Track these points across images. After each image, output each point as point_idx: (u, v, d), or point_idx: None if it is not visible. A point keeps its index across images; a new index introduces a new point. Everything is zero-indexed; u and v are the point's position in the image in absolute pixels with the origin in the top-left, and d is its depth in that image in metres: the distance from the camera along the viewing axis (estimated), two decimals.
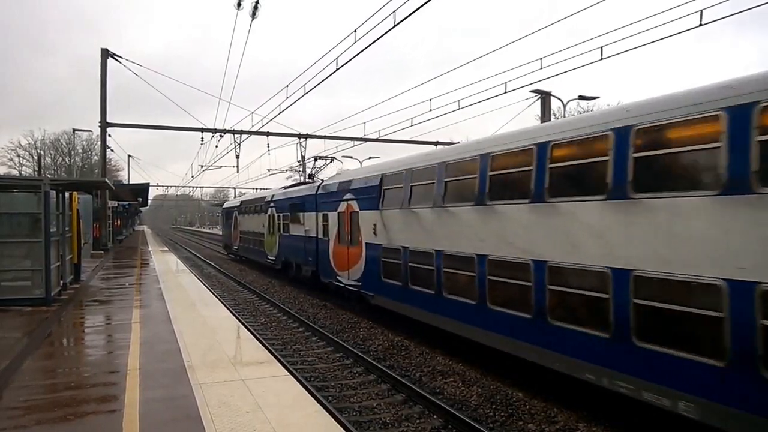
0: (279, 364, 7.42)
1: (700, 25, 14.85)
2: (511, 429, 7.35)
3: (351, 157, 43.34)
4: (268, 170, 60.78)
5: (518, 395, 8.47)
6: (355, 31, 15.18)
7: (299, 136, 33.11)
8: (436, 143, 35.98)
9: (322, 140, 34.52)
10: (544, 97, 43.89)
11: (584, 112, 53.12)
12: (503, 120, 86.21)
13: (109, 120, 27.20)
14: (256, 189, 71.90)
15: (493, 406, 8.05)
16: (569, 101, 29.41)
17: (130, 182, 48.74)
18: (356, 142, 35.20)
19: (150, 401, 5.55)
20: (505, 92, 25.91)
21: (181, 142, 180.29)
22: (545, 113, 47.01)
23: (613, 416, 7.32)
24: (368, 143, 35.44)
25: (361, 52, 15.12)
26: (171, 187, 79.57)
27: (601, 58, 19.02)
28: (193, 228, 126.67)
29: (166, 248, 39.17)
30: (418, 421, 7.66)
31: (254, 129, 29.46)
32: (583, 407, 7.68)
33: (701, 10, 14.28)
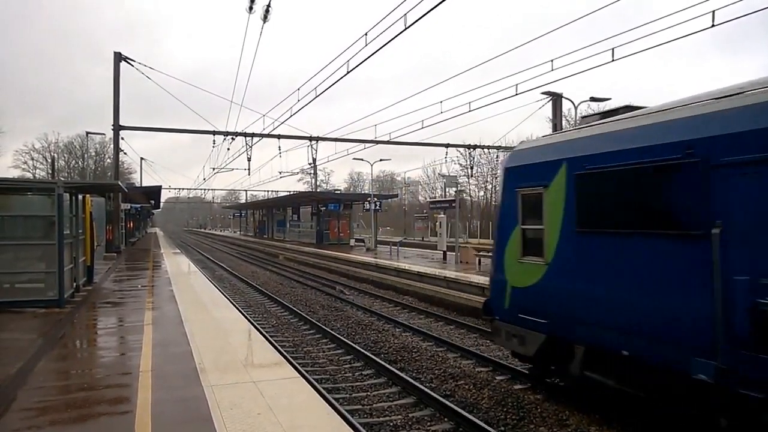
0: (290, 366, 7.43)
1: (713, 25, 14.73)
2: (522, 431, 7.30)
3: (362, 159, 43.37)
4: (279, 173, 61.09)
5: (530, 398, 8.42)
6: (366, 34, 15.21)
7: (310, 138, 33.22)
8: (447, 145, 35.96)
9: (333, 143, 34.65)
10: (555, 99, 43.75)
11: (594, 113, 52.76)
12: (514, 122, 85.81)
13: (125, 124, 27.48)
14: (268, 192, 72.23)
15: (505, 409, 8.00)
16: (580, 103, 29.24)
17: (143, 185, 49.19)
18: (367, 145, 35.24)
19: (162, 402, 5.58)
20: (516, 94, 25.66)
21: (195, 147, 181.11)
22: (556, 115, 46.86)
23: (625, 420, 7.24)
24: (379, 146, 35.47)
25: (371, 55, 15.13)
26: (183, 189, 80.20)
27: (612, 60, 18.89)
28: (205, 230, 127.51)
29: (178, 250, 39.48)
30: (429, 423, 7.63)
31: (265, 132, 29.62)
32: (595, 411, 7.61)
33: (713, 11, 14.15)
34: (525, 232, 8.35)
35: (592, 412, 7.64)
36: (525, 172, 8.47)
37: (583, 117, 9.75)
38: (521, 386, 9.09)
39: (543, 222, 7.91)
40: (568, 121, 47.91)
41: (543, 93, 39.59)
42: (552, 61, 20.15)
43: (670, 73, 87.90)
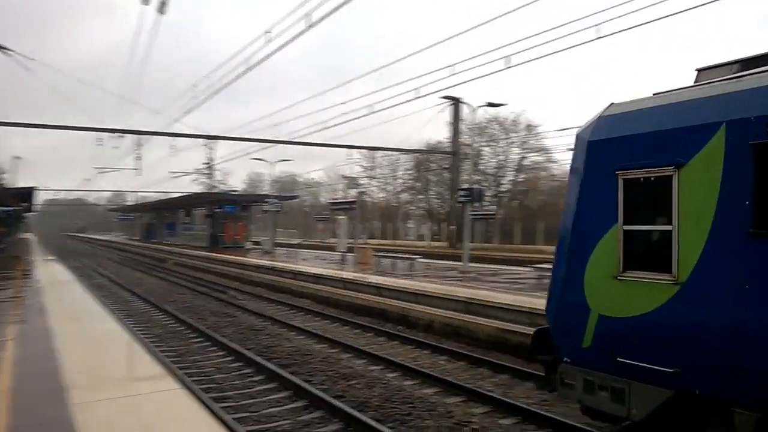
0: (173, 378, 7.09)
1: (598, 38, 16.09)
2: (410, 426, 7.50)
3: (261, 159, 42.41)
4: (171, 173, 58.13)
5: (419, 393, 8.68)
6: (268, 31, 14.87)
7: (206, 137, 31.95)
8: (349, 146, 36.08)
9: (232, 142, 33.58)
10: (455, 103, 45.26)
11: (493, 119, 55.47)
12: (418, 125, 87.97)
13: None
14: (159, 194, 68.38)
15: (394, 405, 8.18)
16: (478, 107, 30.56)
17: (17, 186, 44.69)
18: (268, 145, 34.50)
19: (20, 428, 5.10)
20: (417, 98, 26.32)
21: (80, 147, 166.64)
22: (456, 119, 48.46)
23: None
24: (281, 147, 34.84)
25: (273, 53, 14.83)
26: (62, 191, 73.77)
27: (508, 67, 19.97)
28: (86, 235, 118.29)
29: (54, 257, 36.29)
30: (318, 425, 7.61)
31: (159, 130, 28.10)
32: (484, 403, 8.00)
33: (598, 24, 15.41)
34: (631, 236, 5.57)
35: (479, 404, 8.04)
36: (633, 146, 5.59)
37: (721, 65, 5.99)
38: (411, 382, 9.35)
39: (672, 220, 5.20)
40: (467, 125, 49.97)
41: (443, 97, 40.65)
42: (452, 65, 20.84)
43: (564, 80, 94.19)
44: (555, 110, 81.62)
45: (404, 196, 72.19)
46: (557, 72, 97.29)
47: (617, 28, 16.12)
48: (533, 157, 58.16)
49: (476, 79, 22.83)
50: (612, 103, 6.08)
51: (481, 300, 13.41)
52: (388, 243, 52.45)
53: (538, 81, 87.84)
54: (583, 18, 15.95)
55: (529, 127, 56.54)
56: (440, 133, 52.60)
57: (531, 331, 11.05)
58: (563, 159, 51.23)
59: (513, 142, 57.97)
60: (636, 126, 5.67)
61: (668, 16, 14.45)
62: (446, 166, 50.59)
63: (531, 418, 7.56)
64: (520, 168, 59.08)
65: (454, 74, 20.86)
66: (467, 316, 13.16)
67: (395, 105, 27.84)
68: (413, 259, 24.11)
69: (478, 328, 12.42)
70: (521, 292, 15.00)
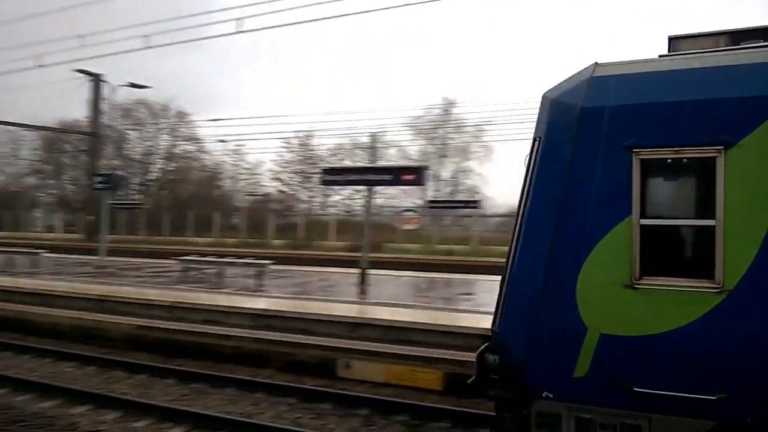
0: None
1: (239, 32, 16.66)
2: None
3: None
4: None
5: (34, 408, 7.63)
6: None
7: None
8: None
9: None
10: (95, 79, 40.26)
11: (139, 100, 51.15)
12: (46, 99, 74.64)
13: None
14: None
15: None
16: (120, 86, 27.98)
17: None
18: None
19: None
20: (42, 66, 22.70)
21: None
22: (97, 96, 43.00)
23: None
24: None
25: None
26: None
27: (150, 47, 18.87)
28: None
29: None
30: None
31: None
32: (117, 408, 7.51)
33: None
34: (651, 233, 4.39)
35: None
36: (656, 117, 4.42)
37: None
38: (25, 397, 8.10)
39: (715, 212, 4.18)
40: (110, 106, 45.05)
41: (77, 71, 36.28)
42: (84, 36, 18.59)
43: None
44: (208, 100, 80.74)
45: (30, 181, 61.02)
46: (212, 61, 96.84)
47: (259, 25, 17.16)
48: (184, 146, 56.72)
49: (113, 54, 20.90)
50: (597, 63, 4.79)
51: (116, 296, 12.50)
52: (7, 235, 43.64)
53: (190, 67, 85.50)
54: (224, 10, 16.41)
55: (180, 114, 54.86)
56: (78, 111, 46.24)
57: (173, 325, 10.99)
58: (215, 149, 51.61)
59: (163, 129, 55.36)
60: (658, 92, 4.47)
61: None
62: (84, 148, 44.94)
63: (169, 416, 7.39)
64: (170, 156, 56.81)
65: (85, 46, 18.73)
66: (101, 315, 12.07)
67: (11, 72, 23.24)
68: (38, 253, 20.93)
69: (114, 327, 11.52)
70: (163, 286, 14.57)
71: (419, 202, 39.18)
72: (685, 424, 4.25)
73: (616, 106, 4.55)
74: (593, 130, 4.57)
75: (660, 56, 4.88)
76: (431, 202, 34.51)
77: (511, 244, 4.95)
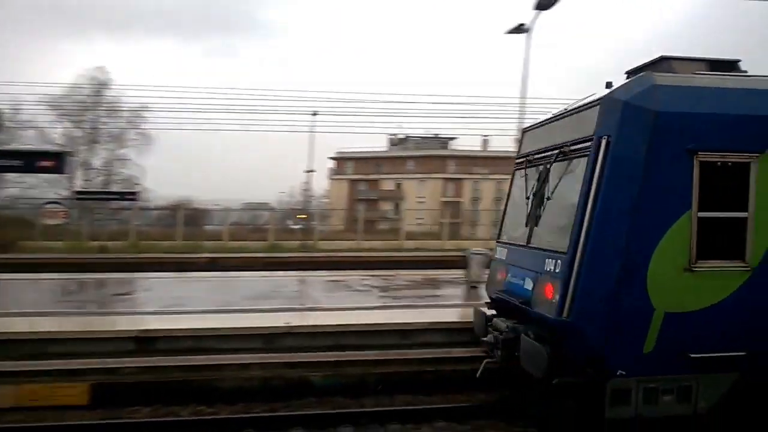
0: None
1: None
2: None
3: None
4: None
5: None
6: None
7: None
8: None
9: None
10: None
11: None
12: None
13: None
14: None
15: None
16: None
17: None
18: None
19: None
20: None
21: None
22: None
23: None
24: None
25: None
26: None
27: None
28: None
29: None
30: None
31: None
32: None
33: None
34: (705, 224, 5.42)
35: None
36: (711, 126, 5.38)
37: None
38: None
39: (747, 207, 5.49)
40: None
41: None
42: None
43: None
44: None
45: None
46: None
47: None
48: None
49: None
50: (655, 73, 5.62)
51: None
52: None
53: None
54: None
55: None
56: None
57: None
58: None
59: None
60: (714, 104, 5.44)
61: None
62: None
63: None
64: None
65: None
66: None
67: None
68: None
69: None
70: None
71: (66, 192, 34.38)
72: (722, 379, 5.47)
73: (682, 112, 5.30)
74: (665, 132, 5.26)
75: (713, 74, 5.89)
76: (79, 192, 30.52)
77: (571, 238, 5.34)
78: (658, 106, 5.27)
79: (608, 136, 5.31)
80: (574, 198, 5.51)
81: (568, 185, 5.80)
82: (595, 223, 5.24)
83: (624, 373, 5.30)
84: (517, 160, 7.48)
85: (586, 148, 5.55)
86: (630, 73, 6.28)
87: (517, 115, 20.75)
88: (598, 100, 5.63)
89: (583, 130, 5.67)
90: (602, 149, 5.31)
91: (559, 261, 5.47)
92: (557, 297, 5.36)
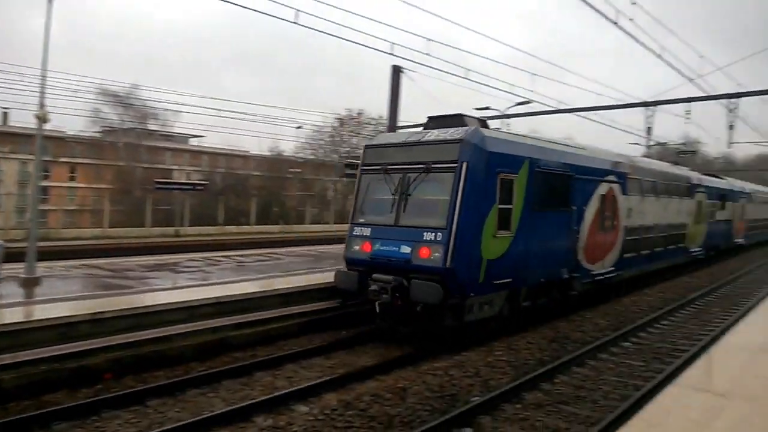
0: None
1: None
2: None
3: None
4: None
5: None
6: None
7: None
8: None
9: None
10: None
11: None
12: None
13: None
14: None
15: None
16: None
17: None
18: None
19: None
20: None
21: None
22: None
23: None
24: None
25: None
26: None
27: None
28: None
29: None
30: None
31: None
32: None
33: None
34: (503, 212, 9.79)
35: None
36: (505, 160, 9.86)
37: None
38: None
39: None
40: None
41: None
42: None
43: None
44: None
45: None
46: None
47: None
48: None
49: None
50: (479, 129, 9.82)
51: None
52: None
53: None
54: None
55: None
56: None
57: None
58: None
59: None
60: (506, 148, 9.94)
61: None
62: None
63: None
64: None
65: None
66: None
67: None
68: None
69: None
70: None
71: None
72: (503, 294, 9.85)
73: (495, 152, 9.34)
74: (489, 162, 9.20)
75: (503, 131, 11.95)
76: None
77: (448, 219, 8.88)
78: (488, 147, 9.29)
79: (467, 162, 9.04)
80: (446, 195, 9.04)
81: (440, 188, 9.32)
82: (461, 210, 8.83)
83: (473, 294, 9.03)
84: (366, 167, 10.42)
85: (452, 167, 9.13)
86: (433, 119, 10.55)
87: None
88: (457, 140, 9.29)
89: (449, 156, 9.23)
90: (464, 169, 9.00)
91: (439, 233, 8.90)
92: (438, 255, 8.77)
